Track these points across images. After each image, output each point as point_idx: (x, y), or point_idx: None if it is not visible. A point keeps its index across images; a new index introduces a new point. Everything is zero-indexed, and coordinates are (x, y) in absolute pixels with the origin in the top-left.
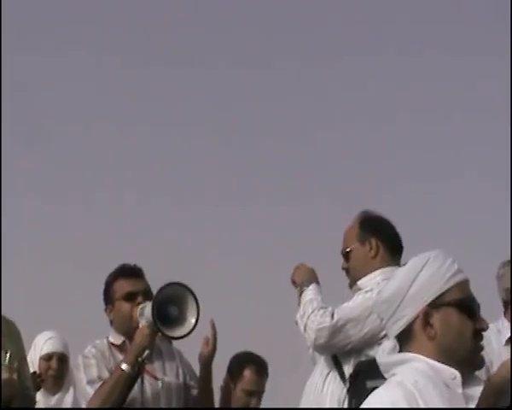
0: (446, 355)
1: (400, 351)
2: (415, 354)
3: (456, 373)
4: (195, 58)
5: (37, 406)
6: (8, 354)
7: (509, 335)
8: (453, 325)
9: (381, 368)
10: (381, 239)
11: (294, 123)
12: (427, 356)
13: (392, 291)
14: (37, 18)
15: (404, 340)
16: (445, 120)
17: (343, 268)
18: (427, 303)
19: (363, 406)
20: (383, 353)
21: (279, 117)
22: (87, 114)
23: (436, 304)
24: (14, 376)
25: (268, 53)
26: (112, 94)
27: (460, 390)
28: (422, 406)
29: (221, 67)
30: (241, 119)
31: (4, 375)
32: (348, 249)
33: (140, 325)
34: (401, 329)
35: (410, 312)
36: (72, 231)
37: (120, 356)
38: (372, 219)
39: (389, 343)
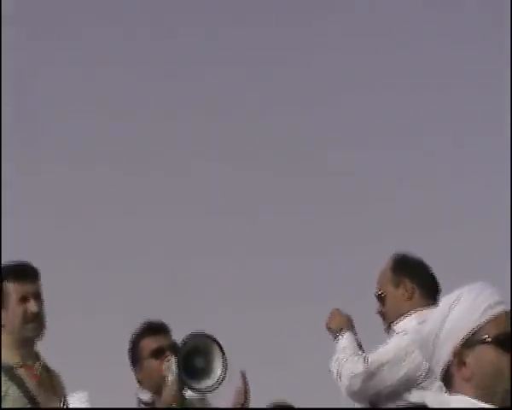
0: (486, 395)
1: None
2: (458, 396)
3: None
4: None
5: None
6: (64, 405)
7: None
8: (489, 364)
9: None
10: (415, 281)
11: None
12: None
13: (426, 334)
14: None
15: (445, 383)
16: None
17: (378, 312)
18: (460, 343)
19: None
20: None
21: None
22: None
23: (470, 342)
24: None
25: None
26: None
27: None
28: None
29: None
30: None
31: None
32: (382, 293)
33: (167, 381)
34: (441, 371)
35: (444, 354)
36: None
37: None
38: (406, 261)
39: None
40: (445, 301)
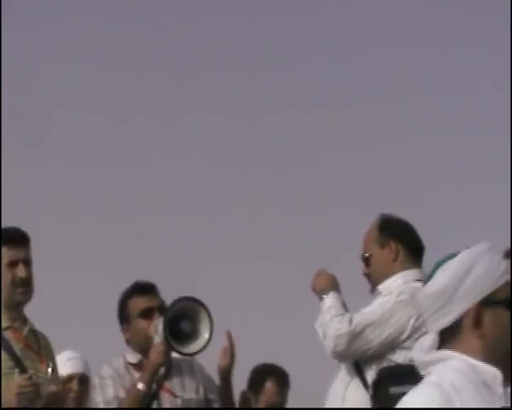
0: (491, 355)
1: (440, 347)
2: (454, 353)
3: (498, 373)
4: None
5: None
6: (50, 369)
7: None
8: (503, 325)
9: (418, 366)
10: (400, 242)
11: None
12: (472, 355)
13: (442, 285)
14: None
15: (449, 336)
16: None
17: (364, 274)
18: (478, 300)
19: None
20: (421, 350)
21: None
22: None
23: (488, 302)
24: (60, 387)
25: None
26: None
27: (500, 390)
28: (459, 406)
29: None
30: None
31: (53, 387)
32: (367, 254)
33: (154, 343)
34: (447, 325)
35: (459, 308)
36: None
37: (137, 375)
38: (391, 222)
39: (427, 340)
40: (467, 254)
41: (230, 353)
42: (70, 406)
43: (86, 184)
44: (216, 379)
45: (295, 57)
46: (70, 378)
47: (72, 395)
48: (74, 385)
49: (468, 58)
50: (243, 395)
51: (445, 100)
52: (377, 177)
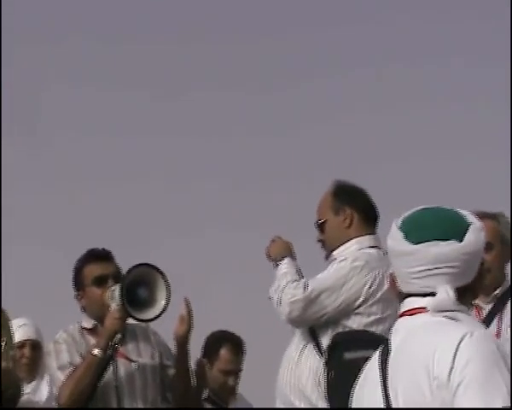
0: None
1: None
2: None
3: None
4: None
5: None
6: (3, 343)
7: None
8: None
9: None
10: (355, 208)
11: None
12: None
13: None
14: None
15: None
16: None
17: (318, 240)
18: None
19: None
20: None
21: None
22: None
23: None
24: (10, 364)
25: None
26: None
27: None
28: None
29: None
30: None
31: (3, 363)
32: (322, 220)
33: (110, 309)
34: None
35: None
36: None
37: (93, 341)
38: (345, 189)
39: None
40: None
41: (187, 320)
42: (22, 373)
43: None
44: (173, 346)
45: None
46: (22, 345)
47: (24, 361)
48: (26, 351)
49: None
50: (198, 363)
51: None
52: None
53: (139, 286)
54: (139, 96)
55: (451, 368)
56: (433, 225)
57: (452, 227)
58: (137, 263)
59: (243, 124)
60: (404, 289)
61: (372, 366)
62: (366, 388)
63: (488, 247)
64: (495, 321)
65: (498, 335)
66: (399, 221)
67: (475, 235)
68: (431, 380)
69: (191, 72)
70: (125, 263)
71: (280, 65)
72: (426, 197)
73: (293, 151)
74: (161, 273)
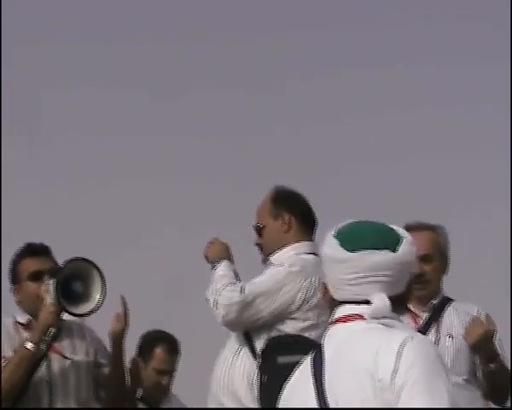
0: None
1: None
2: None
3: None
4: None
5: None
6: None
7: None
8: None
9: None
10: (293, 214)
11: None
12: None
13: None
14: None
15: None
16: None
17: (256, 244)
18: None
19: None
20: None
21: None
22: None
23: None
24: None
25: None
26: None
27: None
28: None
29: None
30: None
31: None
32: (261, 225)
33: (45, 303)
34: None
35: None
36: None
37: (27, 335)
38: (285, 195)
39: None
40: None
41: (123, 318)
42: None
43: None
44: (108, 344)
45: None
46: None
47: None
48: None
49: None
50: (133, 362)
51: None
52: None
53: (74, 280)
54: (139, 96)
55: (394, 370)
56: (368, 235)
57: (386, 238)
58: (73, 257)
59: (243, 124)
60: (337, 296)
61: (303, 371)
62: (296, 392)
63: (428, 258)
64: (432, 330)
65: (436, 343)
66: (333, 231)
67: (408, 247)
68: (375, 382)
69: (191, 72)
70: (125, 263)
71: (280, 65)
72: (426, 197)
73: (293, 151)
74: (97, 268)
